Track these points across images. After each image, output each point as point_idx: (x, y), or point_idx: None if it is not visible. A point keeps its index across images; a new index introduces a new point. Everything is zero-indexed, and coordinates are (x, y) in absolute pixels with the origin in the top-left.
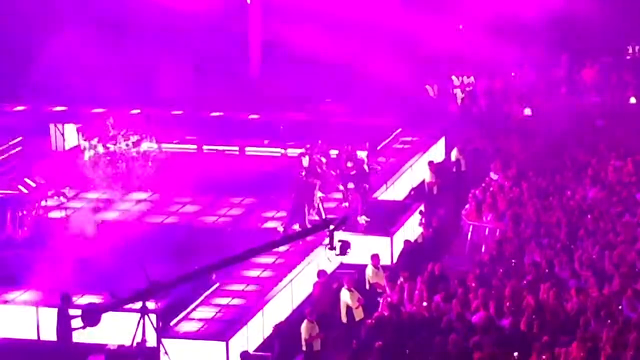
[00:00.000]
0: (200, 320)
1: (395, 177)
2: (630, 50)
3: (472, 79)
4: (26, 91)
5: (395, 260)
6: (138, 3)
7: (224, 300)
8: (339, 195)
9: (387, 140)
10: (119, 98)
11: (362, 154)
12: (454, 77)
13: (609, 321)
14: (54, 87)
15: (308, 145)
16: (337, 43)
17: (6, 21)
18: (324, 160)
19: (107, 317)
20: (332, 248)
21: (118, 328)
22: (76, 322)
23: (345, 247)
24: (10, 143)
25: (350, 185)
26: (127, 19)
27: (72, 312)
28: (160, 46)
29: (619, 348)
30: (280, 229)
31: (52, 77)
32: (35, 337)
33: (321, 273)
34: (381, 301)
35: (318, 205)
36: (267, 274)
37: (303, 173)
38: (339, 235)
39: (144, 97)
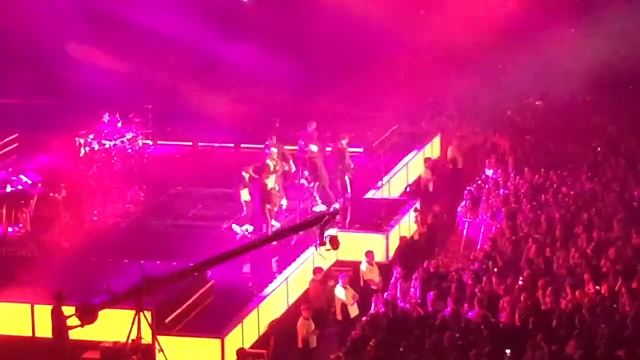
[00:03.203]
0: (195, 317)
1: (391, 174)
2: None
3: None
4: (21, 87)
5: (391, 258)
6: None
7: (219, 297)
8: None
9: (383, 137)
10: (114, 95)
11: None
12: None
13: (604, 318)
14: (51, 83)
15: (267, 143)
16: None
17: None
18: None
19: (103, 314)
20: (323, 243)
21: (113, 325)
22: (73, 320)
23: (334, 241)
24: (6, 140)
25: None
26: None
27: (66, 309)
28: (157, 45)
29: (615, 346)
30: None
31: (49, 73)
32: (30, 334)
33: (317, 270)
34: (375, 299)
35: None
36: (262, 270)
37: (250, 172)
38: (329, 230)
39: (139, 94)
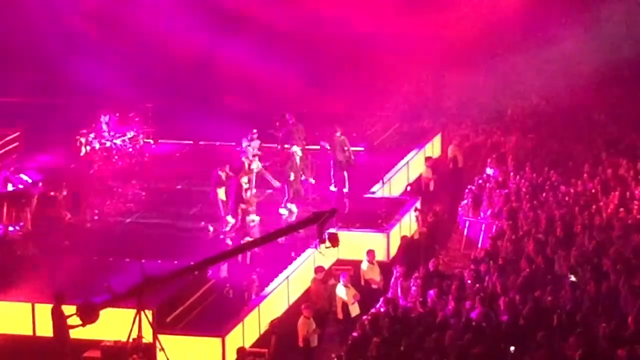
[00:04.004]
0: (196, 316)
1: (392, 173)
2: None
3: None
4: (22, 86)
5: (392, 257)
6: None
7: (220, 296)
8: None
9: (384, 136)
10: (116, 94)
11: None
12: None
13: (605, 317)
14: (52, 82)
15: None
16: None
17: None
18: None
19: (104, 313)
20: (322, 241)
21: (114, 324)
22: (73, 319)
23: (334, 239)
24: (8, 138)
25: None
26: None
27: (67, 309)
28: (158, 43)
29: (616, 344)
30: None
31: (50, 72)
32: (31, 333)
33: (318, 269)
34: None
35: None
36: (263, 269)
37: (227, 171)
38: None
39: (140, 93)
